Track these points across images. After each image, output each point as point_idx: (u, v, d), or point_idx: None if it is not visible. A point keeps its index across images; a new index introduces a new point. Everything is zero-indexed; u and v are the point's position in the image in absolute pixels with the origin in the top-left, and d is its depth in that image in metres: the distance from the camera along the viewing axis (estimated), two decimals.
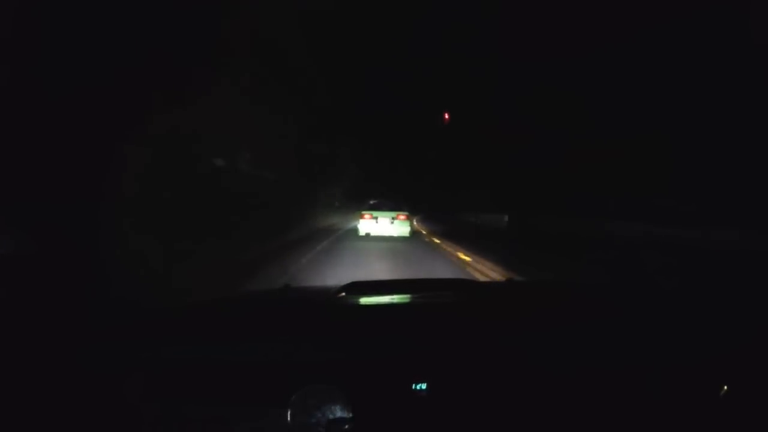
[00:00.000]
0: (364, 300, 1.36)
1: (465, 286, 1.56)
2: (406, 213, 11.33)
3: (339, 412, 0.83)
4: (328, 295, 1.36)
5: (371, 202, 12.00)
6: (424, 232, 15.40)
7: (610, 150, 14.77)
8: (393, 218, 11.07)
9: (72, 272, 3.52)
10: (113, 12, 4.39)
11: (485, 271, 6.65)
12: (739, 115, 10.49)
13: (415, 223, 17.37)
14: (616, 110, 14.57)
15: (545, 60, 17.72)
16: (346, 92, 21.08)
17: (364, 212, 11.32)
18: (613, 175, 14.86)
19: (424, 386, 0.87)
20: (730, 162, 10.78)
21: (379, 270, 6.53)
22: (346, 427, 0.82)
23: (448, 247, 10.06)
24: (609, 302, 1.40)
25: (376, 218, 11.09)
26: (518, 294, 1.62)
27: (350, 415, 0.83)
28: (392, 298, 1.43)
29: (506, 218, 20.88)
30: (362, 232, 11.11)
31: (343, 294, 1.32)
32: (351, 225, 15.82)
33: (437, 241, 11.92)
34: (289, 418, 0.82)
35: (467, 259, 7.97)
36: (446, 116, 24.69)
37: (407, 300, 1.41)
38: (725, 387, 0.89)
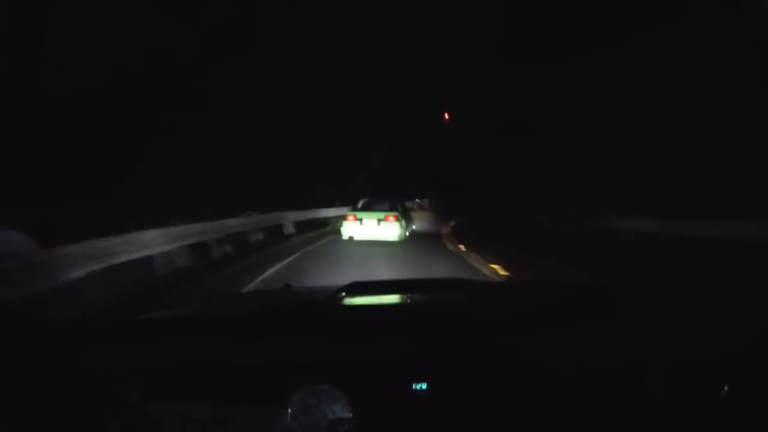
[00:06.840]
0: (364, 300, 1.36)
1: (465, 286, 1.56)
2: (396, 214, 10.08)
3: (339, 412, 0.83)
4: (328, 295, 1.36)
5: (361, 202, 11.02)
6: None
7: (610, 150, 14.76)
8: (380, 220, 9.89)
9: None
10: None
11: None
12: (741, 115, 10.48)
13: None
14: (617, 111, 14.56)
15: (546, 60, 17.72)
16: (346, 91, 21.11)
17: (348, 214, 10.40)
18: (612, 176, 14.85)
19: (424, 386, 0.87)
20: (730, 163, 10.77)
21: None
22: (347, 427, 0.82)
23: None
24: (609, 302, 1.40)
25: (360, 220, 10.02)
26: (518, 294, 1.62)
27: (350, 415, 0.83)
28: (392, 298, 1.43)
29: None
30: (346, 235, 10.15)
31: (343, 294, 1.32)
32: None
33: None
34: (289, 418, 0.82)
35: None
36: (446, 116, 24.72)
37: (407, 300, 1.41)
38: (726, 388, 0.89)
